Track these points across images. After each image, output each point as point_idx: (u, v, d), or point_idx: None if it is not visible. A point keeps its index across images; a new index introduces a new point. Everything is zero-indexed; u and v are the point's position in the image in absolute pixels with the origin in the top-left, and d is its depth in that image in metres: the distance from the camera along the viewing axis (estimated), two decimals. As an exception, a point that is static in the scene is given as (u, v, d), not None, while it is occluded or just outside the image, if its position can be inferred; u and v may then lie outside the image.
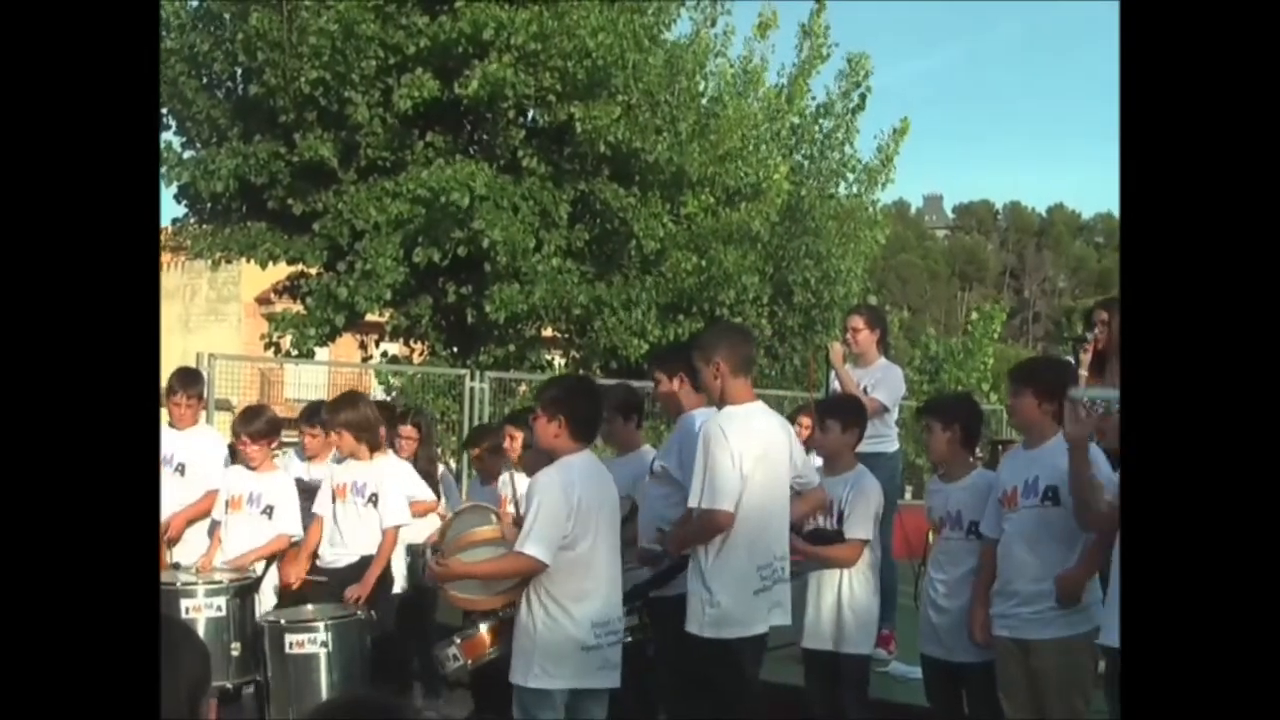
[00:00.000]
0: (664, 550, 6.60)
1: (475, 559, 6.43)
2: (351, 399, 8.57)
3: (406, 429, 9.43)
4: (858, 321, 9.69)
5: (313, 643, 7.37)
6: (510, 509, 7.09)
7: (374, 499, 7.91)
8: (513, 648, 6.11)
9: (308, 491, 8.51)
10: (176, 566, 8.26)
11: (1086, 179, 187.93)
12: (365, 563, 7.83)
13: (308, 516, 8.37)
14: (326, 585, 7.94)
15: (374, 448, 8.06)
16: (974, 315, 37.48)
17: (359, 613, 7.59)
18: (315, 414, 9.03)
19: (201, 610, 7.55)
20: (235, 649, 7.62)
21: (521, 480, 7.70)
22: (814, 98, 25.13)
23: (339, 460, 8.21)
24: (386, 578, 7.97)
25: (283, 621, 7.54)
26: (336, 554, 8.00)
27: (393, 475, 8.06)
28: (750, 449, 6.18)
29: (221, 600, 7.65)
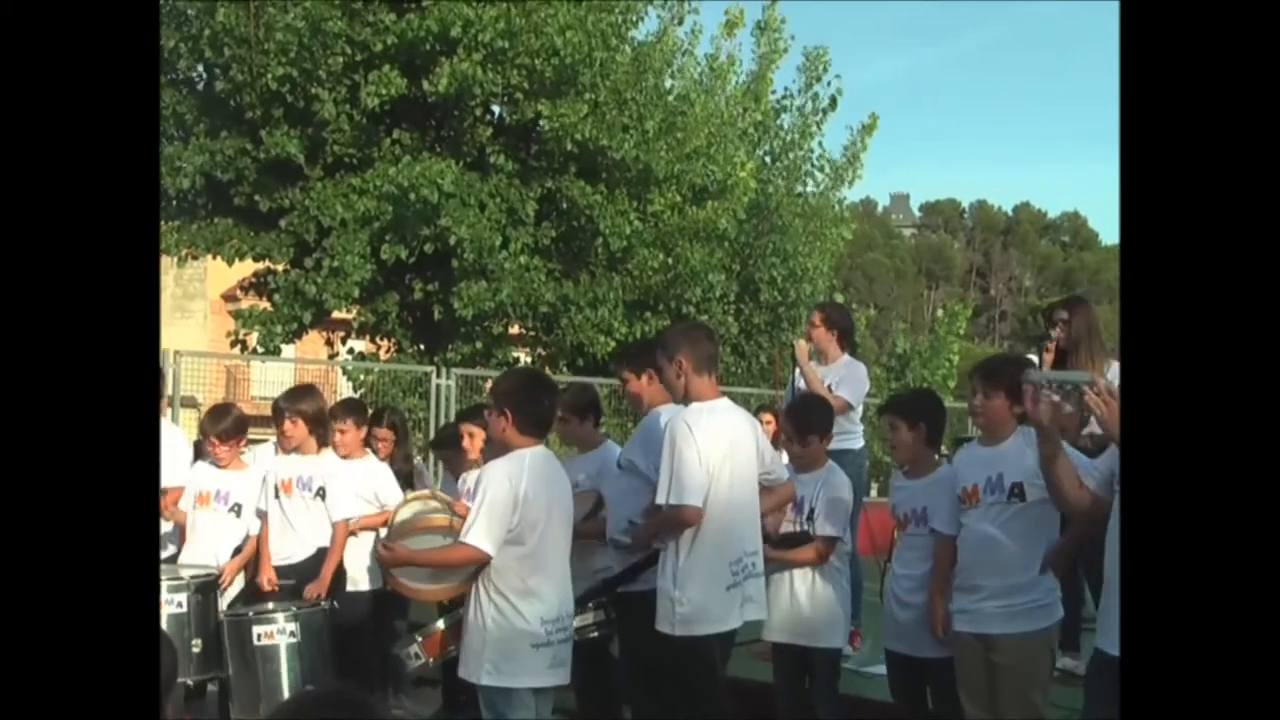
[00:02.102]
0: (632, 543, 6.61)
1: (423, 547, 6.43)
2: (311, 391, 8.65)
3: (382, 431, 9.38)
4: (815, 318, 9.77)
5: (281, 633, 7.38)
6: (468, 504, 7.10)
7: (321, 493, 7.92)
8: (462, 644, 6.08)
9: None
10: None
11: (1052, 178, 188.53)
12: (321, 554, 7.86)
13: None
14: (288, 582, 7.95)
15: (322, 442, 8.09)
16: (939, 313, 37.60)
17: (323, 603, 7.61)
18: (350, 410, 9.02)
19: (163, 607, 7.51)
20: (196, 645, 7.59)
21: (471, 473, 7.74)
22: (775, 93, 25.16)
23: (287, 452, 8.22)
24: (341, 573, 7.98)
25: (250, 614, 7.54)
26: (291, 549, 8.02)
27: (339, 471, 8.07)
28: (717, 445, 6.19)
29: (182, 596, 7.61)
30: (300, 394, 8.37)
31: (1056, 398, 5.12)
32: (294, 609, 7.52)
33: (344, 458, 8.70)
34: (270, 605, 7.77)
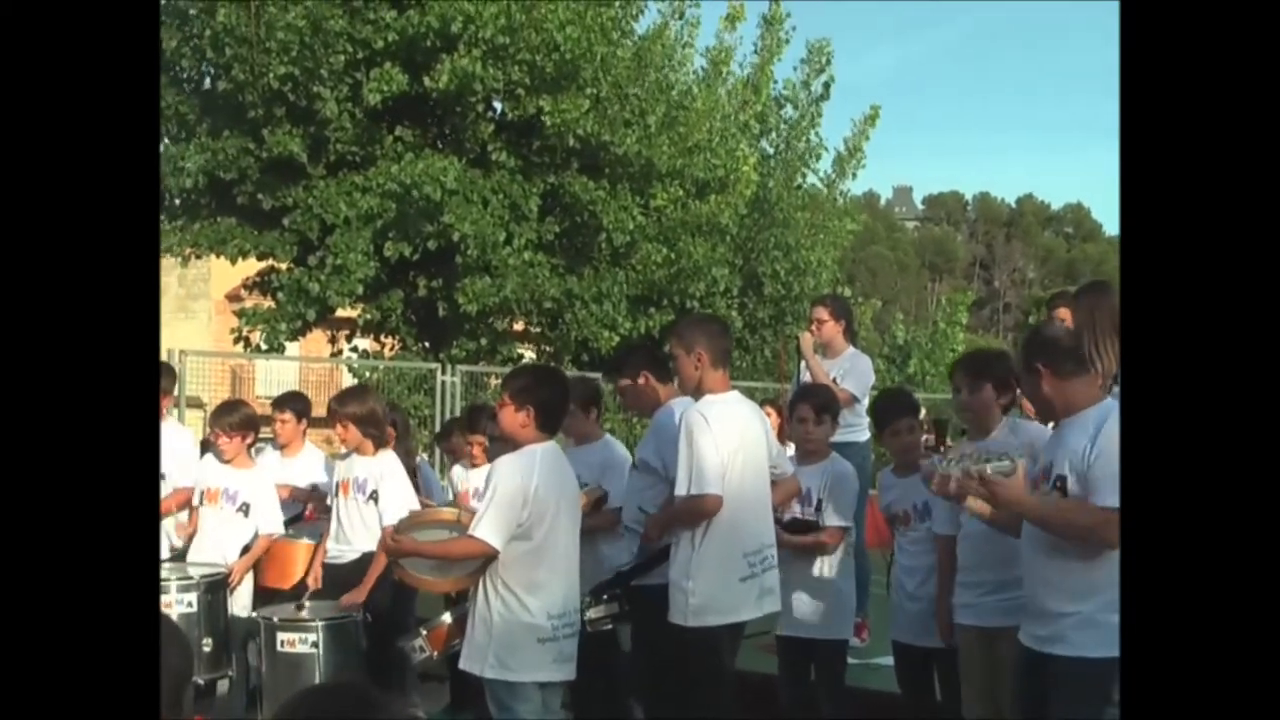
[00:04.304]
0: (643, 538, 6.61)
1: (430, 538, 6.43)
2: (360, 392, 8.61)
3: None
4: (822, 312, 9.77)
5: (304, 642, 7.32)
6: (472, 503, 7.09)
7: (374, 496, 7.87)
8: (468, 637, 6.07)
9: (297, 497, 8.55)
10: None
11: (1056, 169, 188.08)
12: (367, 559, 7.76)
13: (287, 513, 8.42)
14: (332, 580, 7.94)
15: (379, 444, 8.00)
16: (942, 302, 37.68)
17: (354, 614, 7.56)
18: (287, 401, 8.98)
19: (173, 606, 7.49)
20: (206, 645, 7.58)
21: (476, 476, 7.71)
22: (776, 83, 25.17)
23: (344, 455, 8.17)
24: (389, 576, 7.93)
25: (276, 619, 7.50)
26: (340, 550, 7.95)
27: (394, 472, 8.00)
28: (730, 436, 6.20)
29: (192, 596, 7.61)
30: (348, 396, 8.28)
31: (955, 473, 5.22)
32: (322, 618, 7.48)
33: (282, 446, 8.86)
34: (304, 608, 7.73)
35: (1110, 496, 4.85)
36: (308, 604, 7.69)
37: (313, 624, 7.39)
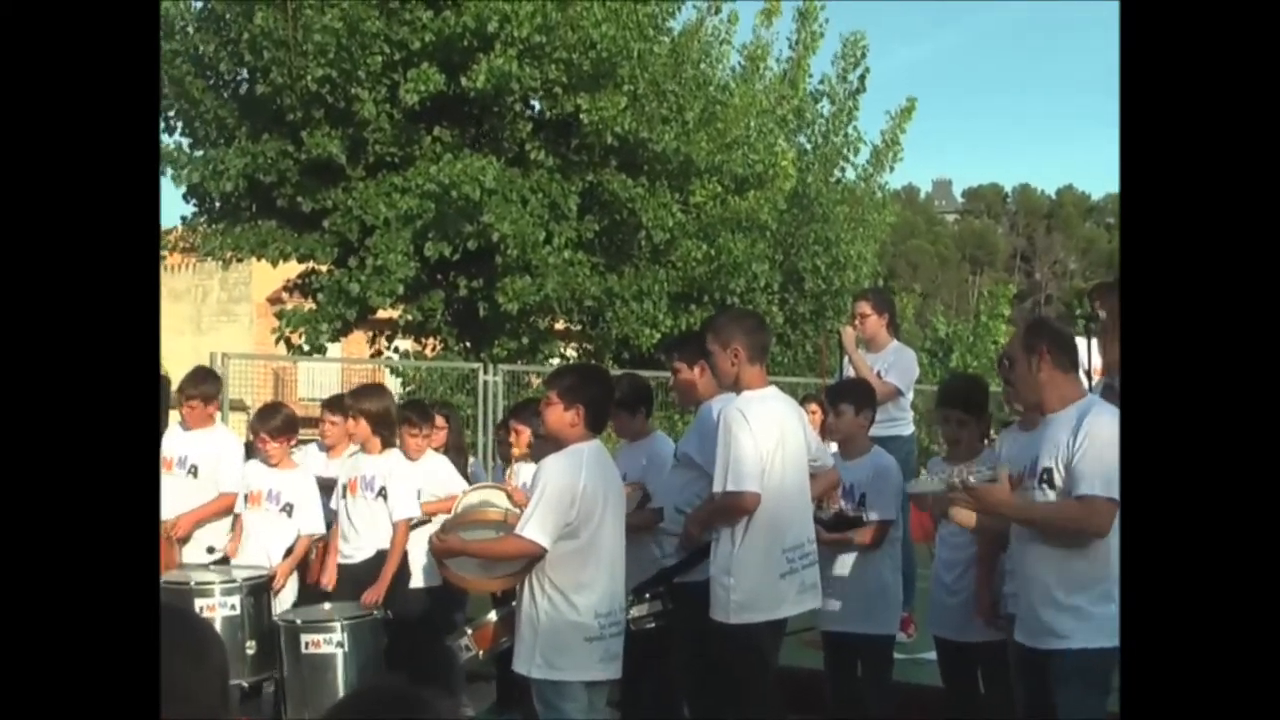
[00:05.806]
0: (683, 536, 6.60)
1: (476, 538, 6.41)
2: (378, 390, 8.68)
3: (438, 419, 9.38)
4: (865, 306, 9.71)
5: (329, 643, 7.37)
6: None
7: (383, 493, 7.90)
8: (516, 636, 6.08)
9: (327, 488, 8.51)
10: (183, 566, 8.23)
11: (1095, 160, 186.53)
12: (381, 557, 7.82)
13: (329, 514, 8.40)
14: (346, 580, 7.94)
15: (387, 442, 8.05)
16: (984, 294, 37.66)
17: (375, 612, 7.58)
18: (337, 404, 9.01)
19: (216, 609, 7.52)
20: (250, 647, 7.61)
21: (528, 470, 7.70)
22: (812, 77, 25.08)
23: (352, 454, 8.23)
24: (404, 571, 7.96)
25: (299, 621, 7.53)
26: (352, 549, 8.00)
27: (401, 470, 8.04)
28: (769, 433, 6.19)
29: (236, 599, 7.64)
30: (366, 392, 8.37)
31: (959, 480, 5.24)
32: (345, 618, 7.50)
33: (329, 448, 8.90)
34: (325, 607, 7.76)
35: (1095, 485, 4.97)
36: (328, 605, 7.74)
37: (336, 624, 7.43)
